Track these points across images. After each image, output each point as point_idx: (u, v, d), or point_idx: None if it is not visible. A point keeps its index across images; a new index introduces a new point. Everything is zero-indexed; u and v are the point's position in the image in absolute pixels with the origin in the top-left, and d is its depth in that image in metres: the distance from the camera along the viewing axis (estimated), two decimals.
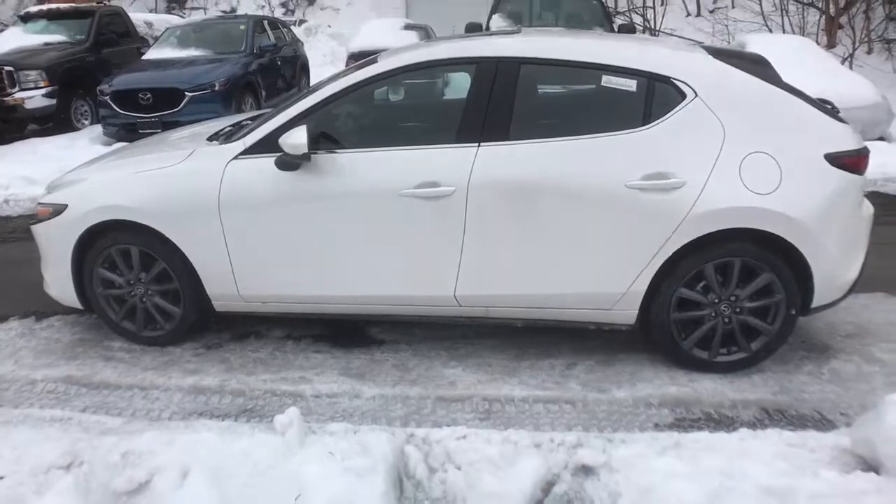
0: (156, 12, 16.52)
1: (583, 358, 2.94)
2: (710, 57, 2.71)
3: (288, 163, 2.73)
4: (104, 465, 2.14)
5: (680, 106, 2.57)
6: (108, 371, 3.02)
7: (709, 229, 2.54)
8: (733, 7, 12.71)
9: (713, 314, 2.70)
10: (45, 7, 9.43)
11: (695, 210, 2.51)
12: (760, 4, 11.61)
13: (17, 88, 7.65)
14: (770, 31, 11.16)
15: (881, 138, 7.00)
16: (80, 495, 2.04)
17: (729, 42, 8.84)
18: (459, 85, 2.86)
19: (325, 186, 2.76)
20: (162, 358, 3.12)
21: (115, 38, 8.92)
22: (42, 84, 7.77)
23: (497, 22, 7.83)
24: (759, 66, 2.78)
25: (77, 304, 3.21)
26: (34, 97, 7.75)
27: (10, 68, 7.60)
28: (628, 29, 8.20)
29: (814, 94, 6.47)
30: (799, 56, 7.37)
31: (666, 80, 2.60)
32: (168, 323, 3.16)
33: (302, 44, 10.26)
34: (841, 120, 2.72)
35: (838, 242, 2.62)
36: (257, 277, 2.97)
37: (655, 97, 2.59)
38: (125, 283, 3.11)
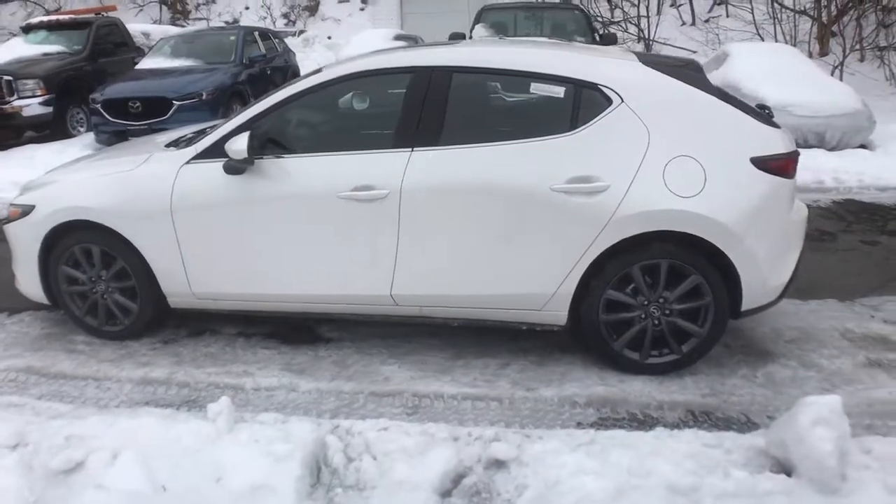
0: (160, 23, 16.85)
1: (518, 358, 3.03)
2: (639, 63, 2.80)
3: (234, 167, 2.86)
4: (48, 447, 2.26)
5: (606, 111, 2.67)
6: (68, 362, 3.16)
7: (633, 232, 2.62)
8: (728, 16, 12.77)
9: (643, 316, 2.77)
10: (45, 19, 9.70)
11: (619, 213, 2.60)
12: (752, 13, 11.67)
13: (15, 97, 7.87)
14: (762, 39, 11.21)
15: (862, 146, 7.03)
16: (22, 473, 2.17)
17: (714, 51, 8.91)
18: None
19: (269, 190, 2.88)
20: (119, 351, 3.26)
21: (111, 48, 9.14)
22: (39, 92, 7.98)
23: (479, 32, 7.96)
24: (689, 72, 2.87)
25: (44, 300, 3.36)
26: (31, 105, 7.96)
27: (9, 77, 7.83)
28: (609, 39, 8.30)
29: (793, 102, 6.70)
30: (782, 64, 7.45)
31: (593, 87, 2.70)
32: (127, 318, 3.30)
33: (294, 54, 10.46)
34: (773, 124, 2.80)
35: (766, 246, 2.68)
36: (208, 276, 3.10)
37: (582, 103, 2.69)
38: (87, 281, 3.25)
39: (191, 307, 3.24)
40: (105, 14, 10.06)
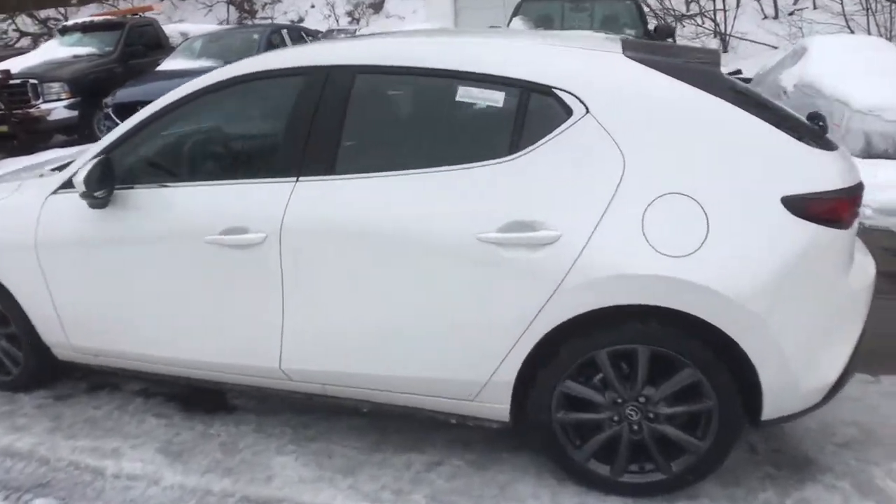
0: (227, 23, 16.97)
1: (453, 454, 2.26)
2: (621, 56, 1.94)
3: (93, 200, 2.25)
4: None
5: (562, 127, 1.86)
6: None
7: (594, 304, 1.81)
8: (815, 7, 11.19)
9: (615, 418, 1.94)
10: (80, 20, 9.70)
11: (573, 276, 1.79)
12: (842, 3, 10.09)
13: (40, 100, 7.80)
14: (852, 32, 9.66)
15: None
16: None
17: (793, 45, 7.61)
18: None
19: (132, 228, 2.28)
20: (3, 407, 2.76)
21: (142, 50, 8.99)
22: (64, 96, 7.89)
23: (517, 25, 7.12)
24: (699, 66, 1.99)
25: None
26: (57, 108, 7.88)
27: (35, 81, 7.77)
28: (665, 32, 7.21)
29: (884, 105, 5.44)
30: (872, 60, 6.17)
31: (546, 91, 1.88)
32: (16, 368, 2.79)
33: None
34: (826, 144, 1.89)
35: (802, 330, 1.80)
36: (83, 327, 2.53)
37: (529, 115, 1.89)
38: None
39: (76, 361, 2.69)
40: (142, 14, 9.97)
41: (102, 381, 2.89)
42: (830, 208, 1.77)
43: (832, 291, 1.84)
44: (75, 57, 8.53)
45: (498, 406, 2.03)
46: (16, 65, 7.97)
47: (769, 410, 1.85)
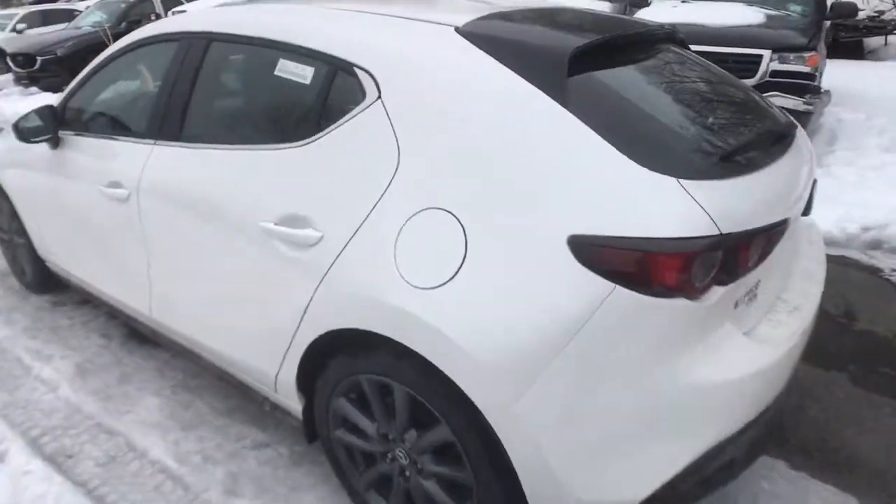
0: None
1: (286, 443, 2.20)
2: (453, 30, 1.55)
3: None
4: None
5: (353, 112, 1.60)
6: None
7: (334, 323, 1.58)
8: None
9: (387, 455, 1.70)
10: None
11: (324, 286, 1.58)
12: None
13: None
14: None
15: None
16: None
17: None
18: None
19: (59, 167, 2.54)
20: (15, 303, 3.30)
21: None
22: None
23: None
24: (554, 51, 1.46)
25: None
26: None
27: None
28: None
29: None
30: None
31: (349, 70, 1.62)
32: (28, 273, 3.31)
33: None
34: (695, 172, 1.31)
35: (575, 423, 1.32)
36: (46, 246, 2.92)
37: (332, 95, 1.66)
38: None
39: (62, 276, 3.08)
40: None
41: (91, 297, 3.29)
42: (648, 265, 1.24)
43: (643, 381, 1.30)
44: None
45: (294, 406, 1.90)
46: (193, 6, 9.03)
47: None
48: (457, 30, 1.55)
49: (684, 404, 1.32)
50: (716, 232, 1.24)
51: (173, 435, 2.23)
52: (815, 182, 1.83)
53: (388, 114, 1.52)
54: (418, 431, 1.58)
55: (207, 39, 2.00)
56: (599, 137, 1.31)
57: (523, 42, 1.49)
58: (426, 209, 1.42)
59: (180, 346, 2.33)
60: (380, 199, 1.50)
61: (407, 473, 1.67)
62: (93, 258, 2.57)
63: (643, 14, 6.10)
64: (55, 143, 2.55)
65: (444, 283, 1.37)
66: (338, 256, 1.54)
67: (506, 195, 1.36)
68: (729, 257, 1.27)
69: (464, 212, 1.38)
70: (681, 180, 1.26)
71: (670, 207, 1.26)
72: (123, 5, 11.13)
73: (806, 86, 4.95)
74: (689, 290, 1.26)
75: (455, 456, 1.51)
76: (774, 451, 2.14)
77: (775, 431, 1.73)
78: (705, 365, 1.32)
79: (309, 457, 2.12)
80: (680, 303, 1.25)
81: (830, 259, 3.50)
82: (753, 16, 5.37)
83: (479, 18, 1.61)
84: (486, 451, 1.42)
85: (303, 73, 1.70)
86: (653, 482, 1.35)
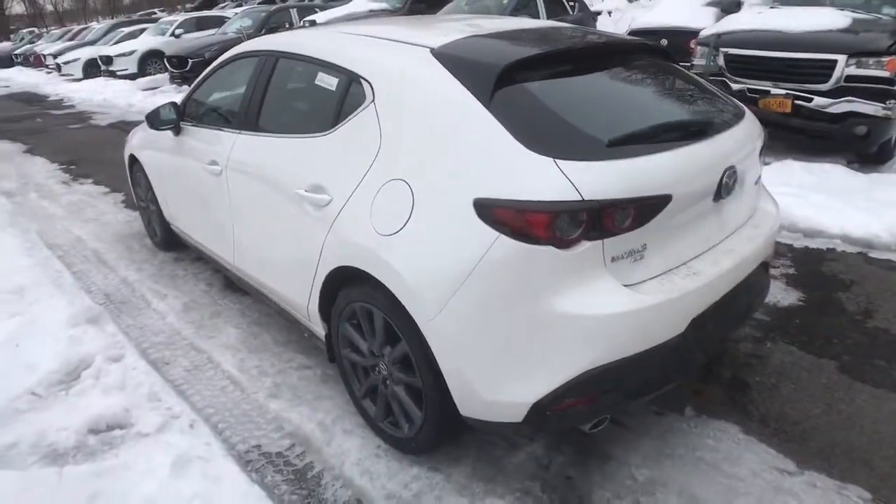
0: None
1: (329, 366, 2.77)
2: (429, 52, 2.07)
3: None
4: None
5: (357, 111, 2.19)
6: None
7: (337, 262, 2.17)
8: None
9: (375, 368, 2.26)
10: None
11: (330, 235, 2.19)
12: None
13: None
14: None
15: None
16: None
17: None
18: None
19: (178, 148, 3.36)
20: (147, 257, 4.25)
21: (423, 8, 10.33)
22: None
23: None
24: (487, 65, 1.92)
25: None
26: None
27: None
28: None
29: None
30: None
31: (358, 80, 2.23)
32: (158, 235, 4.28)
33: (594, 19, 10.03)
34: (573, 153, 1.72)
35: (479, 340, 1.79)
36: (169, 210, 3.81)
37: (348, 98, 2.26)
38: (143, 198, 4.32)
39: (181, 236, 3.94)
40: None
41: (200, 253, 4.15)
42: (525, 220, 1.66)
43: (525, 308, 1.71)
44: (371, 12, 10.36)
45: (320, 331, 2.50)
46: (323, 16, 10.15)
47: (463, 408, 1.92)
48: (431, 51, 2.08)
49: (560, 330, 1.72)
50: (577, 198, 1.65)
51: (241, 354, 2.94)
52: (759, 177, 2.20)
53: (377, 112, 2.10)
54: (391, 347, 2.12)
55: (276, 56, 2.71)
56: (504, 130, 1.77)
57: (472, 60, 1.99)
58: (392, 179, 1.98)
59: (254, 288, 3.03)
60: (366, 173, 2.07)
61: (387, 382, 2.21)
62: (199, 220, 3.36)
63: (732, 18, 6.14)
64: (177, 130, 3.38)
65: (397, 232, 1.91)
66: (339, 213, 2.13)
67: (439, 169, 1.88)
68: (594, 218, 1.67)
69: (414, 180, 1.91)
70: (557, 160, 1.69)
71: (543, 179, 1.68)
72: (264, 14, 12.65)
73: (887, 91, 4.83)
74: (555, 240, 1.66)
75: (412, 366, 2.04)
76: (732, 417, 2.38)
77: (668, 381, 1.97)
78: (578, 300, 1.70)
79: (334, 378, 2.71)
80: (548, 249, 1.67)
81: (874, 262, 3.58)
82: (838, 20, 5.25)
83: (453, 41, 2.13)
84: (426, 360, 1.94)
85: (331, 83, 2.32)
86: (538, 390, 1.76)
